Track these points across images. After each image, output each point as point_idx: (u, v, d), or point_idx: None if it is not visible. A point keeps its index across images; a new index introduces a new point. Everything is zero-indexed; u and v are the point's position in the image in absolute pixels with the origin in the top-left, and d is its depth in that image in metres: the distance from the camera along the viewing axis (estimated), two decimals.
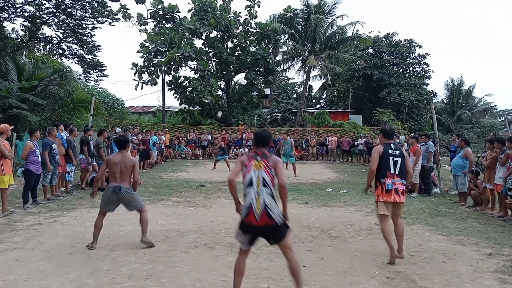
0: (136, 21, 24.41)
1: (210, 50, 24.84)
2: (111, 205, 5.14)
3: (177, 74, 24.11)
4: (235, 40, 25.83)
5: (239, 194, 3.46)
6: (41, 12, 19.45)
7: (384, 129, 5.05)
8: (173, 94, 24.67)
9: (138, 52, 23.34)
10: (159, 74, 24.07)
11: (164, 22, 24.78)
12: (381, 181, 4.68)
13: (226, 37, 25.42)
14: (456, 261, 4.77)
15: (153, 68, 23.33)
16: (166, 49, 22.56)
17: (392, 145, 4.81)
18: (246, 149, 21.12)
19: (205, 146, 21.13)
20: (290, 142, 13.58)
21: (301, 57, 28.51)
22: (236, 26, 25.05)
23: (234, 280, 3.51)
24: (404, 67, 33.91)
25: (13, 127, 7.67)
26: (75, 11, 19.98)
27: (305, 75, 28.77)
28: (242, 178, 3.51)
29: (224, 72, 26.09)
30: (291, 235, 5.76)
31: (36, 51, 23.22)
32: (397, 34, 34.17)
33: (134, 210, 5.20)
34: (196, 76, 24.20)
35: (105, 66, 26.33)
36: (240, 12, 25.30)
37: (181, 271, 4.26)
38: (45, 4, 19.15)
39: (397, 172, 4.68)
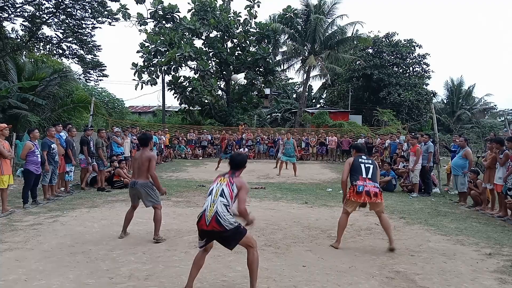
0: (136, 21, 24.38)
1: (210, 50, 24.82)
2: (133, 198, 5.45)
3: (177, 74, 24.09)
4: (235, 40, 25.81)
5: None
6: (41, 12, 19.44)
7: (356, 145, 5.76)
8: (173, 94, 24.68)
9: (138, 52, 23.32)
10: (159, 74, 24.03)
11: (164, 22, 24.75)
12: (353, 184, 5.15)
13: (226, 37, 25.40)
14: (456, 261, 4.78)
15: (153, 68, 23.30)
16: (166, 49, 22.54)
17: (363, 156, 5.34)
18: (246, 149, 21.13)
19: (205, 146, 21.12)
20: (292, 142, 13.66)
21: (301, 57, 28.51)
22: (236, 26, 25.02)
23: (191, 271, 3.73)
24: (404, 67, 33.89)
25: (11, 126, 7.63)
26: (75, 11, 19.98)
27: (305, 75, 28.78)
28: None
29: (224, 72, 26.09)
30: (292, 235, 5.80)
31: (36, 51, 23.22)
32: (397, 34, 34.19)
33: (150, 206, 5.39)
34: (196, 76, 24.19)
35: (105, 66, 26.30)
36: (240, 12, 25.31)
37: (181, 271, 4.25)
38: (45, 4, 19.15)
39: (369, 176, 5.12)
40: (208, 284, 3.94)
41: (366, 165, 5.17)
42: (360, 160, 5.23)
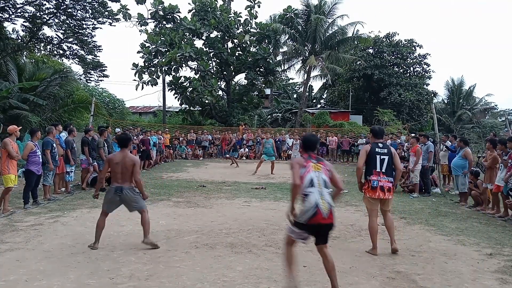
0: (137, 22, 24.40)
1: (210, 50, 24.82)
2: (113, 205, 5.13)
3: (177, 75, 24.12)
4: (235, 40, 25.83)
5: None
6: (41, 13, 19.47)
7: (373, 129, 5.30)
8: (174, 95, 24.70)
9: (138, 52, 23.33)
10: (160, 74, 24.06)
11: (164, 22, 24.76)
12: (367, 179, 4.98)
13: (226, 37, 25.41)
14: (456, 261, 4.77)
15: (153, 69, 23.31)
16: (166, 49, 22.54)
17: (380, 144, 5.06)
18: (247, 149, 21.14)
19: (205, 146, 21.13)
20: (271, 142, 14.36)
21: (302, 57, 28.49)
22: (236, 26, 25.04)
23: (290, 267, 3.73)
24: (404, 67, 33.88)
25: (21, 127, 7.76)
26: (76, 11, 20.01)
27: (306, 75, 28.74)
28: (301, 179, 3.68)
29: (225, 72, 26.09)
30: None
31: (36, 51, 23.26)
32: (398, 34, 34.17)
33: (135, 211, 5.17)
34: (196, 77, 24.19)
35: (106, 67, 26.43)
36: (240, 12, 25.30)
37: (182, 271, 4.26)
38: (45, 4, 19.18)
39: (383, 170, 4.93)
40: (208, 284, 3.93)
41: (382, 157, 4.93)
42: (376, 149, 4.97)
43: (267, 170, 14.10)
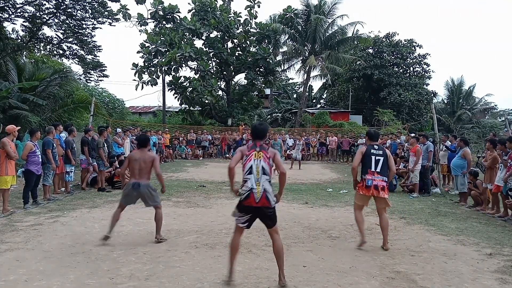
0: (136, 21, 24.39)
1: (210, 50, 24.82)
2: (131, 199, 5.36)
3: (177, 74, 24.10)
4: (235, 40, 25.83)
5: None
6: (41, 13, 19.48)
7: (369, 132, 5.65)
8: (173, 94, 24.70)
9: (138, 52, 23.31)
10: (159, 74, 24.03)
11: (164, 22, 24.76)
12: (363, 177, 5.26)
13: (226, 37, 25.41)
14: (456, 261, 4.77)
15: (153, 69, 23.29)
16: (166, 49, 22.53)
17: (375, 145, 5.36)
18: None
19: (205, 146, 21.13)
20: (279, 143, 13.99)
21: (301, 57, 28.50)
22: (236, 26, 25.03)
23: (231, 257, 3.95)
24: (404, 67, 33.87)
25: (20, 127, 7.74)
26: (75, 11, 20.02)
27: (305, 75, 28.75)
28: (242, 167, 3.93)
29: (225, 72, 26.09)
30: (292, 235, 5.79)
31: (36, 51, 23.24)
32: (397, 34, 34.16)
33: (151, 206, 5.41)
34: (196, 76, 24.19)
35: (105, 67, 26.46)
36: (240, 12, 25.29)
37: (182, 271, 4.26)
38: (45, 4, 19.19)
39: (378, 170, 5.20)
40: (208, 284, 3.93)
41: (377, 157, 5.21)
42: (372, 151, 5.26)
43: None
